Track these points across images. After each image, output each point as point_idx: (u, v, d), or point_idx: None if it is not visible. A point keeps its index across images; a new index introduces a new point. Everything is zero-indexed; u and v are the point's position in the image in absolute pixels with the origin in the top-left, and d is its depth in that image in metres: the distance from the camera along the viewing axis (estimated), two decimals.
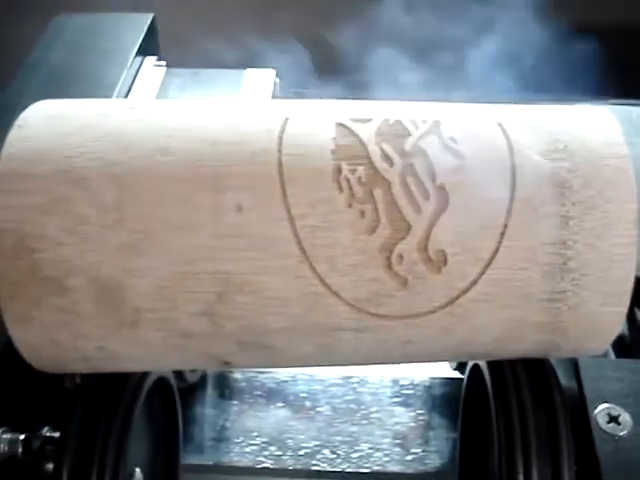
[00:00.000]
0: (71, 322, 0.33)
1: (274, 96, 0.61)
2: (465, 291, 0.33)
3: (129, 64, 0.59)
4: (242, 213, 0.32)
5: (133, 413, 0.38)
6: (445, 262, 0.32)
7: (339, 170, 0.32)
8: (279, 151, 0.32)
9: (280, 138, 0.33)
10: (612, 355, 0.47)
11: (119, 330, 0.33)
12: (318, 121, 0.34)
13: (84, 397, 0.38)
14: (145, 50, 0.63)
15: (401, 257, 0.32)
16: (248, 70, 0.62)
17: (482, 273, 0.33)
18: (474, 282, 0.33)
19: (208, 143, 0.33)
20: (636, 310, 0.47)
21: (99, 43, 0.61)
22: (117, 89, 0.57)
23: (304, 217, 0.32)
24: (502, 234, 0.33)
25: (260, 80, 0.61)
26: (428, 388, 0.55)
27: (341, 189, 0.32)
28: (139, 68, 0.62)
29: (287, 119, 0.34)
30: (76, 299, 0.32)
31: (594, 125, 0.35)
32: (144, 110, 0.35)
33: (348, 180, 0.32)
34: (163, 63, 0.64)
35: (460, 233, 0.32)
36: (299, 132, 0.33)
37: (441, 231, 0.32)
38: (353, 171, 0.32)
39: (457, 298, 0.33)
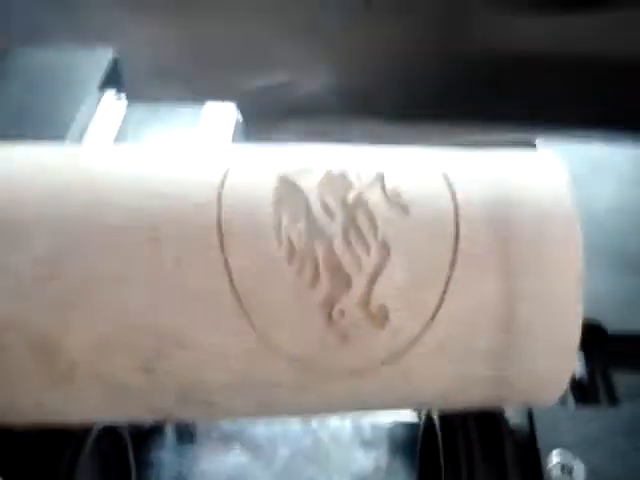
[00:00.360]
0: (7, 379, 0.32)
1: (235, 130, 0.60)
2: (408, 346, 0.32)
3: (89, 99, 0.59)
4: (180, 267, 0.31)
5: (78, 462, 0.37)
6: (387, 318, 0.32)
7: (279, 223, 0.32)
8: (219, 203, 0.32)
9: (220, 190, 0.32)
10: (571, 400, 0.46)
11: (56, 386, 0.32)
12: (260, 172, 0.33)
13: (27, 445, 0.37)
14: (106, 84, 0.62)
15: (342, 313, 0.31)
16: (208, 104, 0.62)
17: (425, 328, 0.32)
18: (417, 337, 0.32)
19: (147, 196, 0.32)
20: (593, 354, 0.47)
21: (57, 78, 0.60)
22: (74, 126, 0.56)
23: (243, 272, 0.31)
24: (445, 289, 0.32)
25: (220, 115, 0.61)
26: (389, 431, 0.54)
27: (281, 243, 0.31)
28: (99, 103, 0.61)
29: (228, 170, 0.33)
30: (11, 356, 0.31)
31: (541, 177, 0.35)
32: (86, 158, 0.34)
33: (288, 234, 0.31)
34: (124, 97, 0.63)
35: (402, 288, 0.32)
36: (240, 184, 0.32)
37: (383, 286, 0.32)
38: (293, 224, 0.32)
39: (400, 354, 0.32)
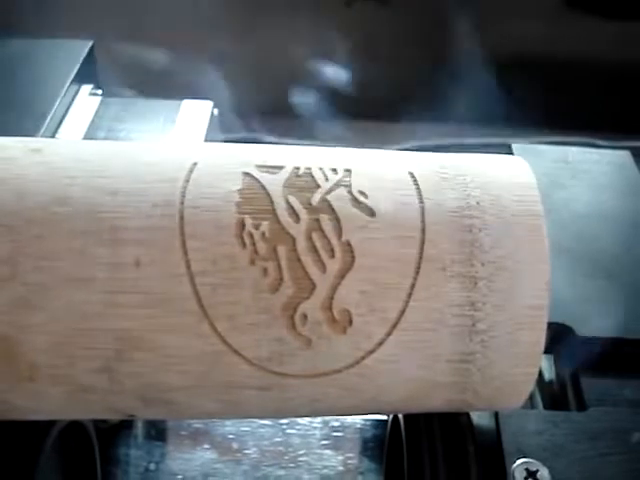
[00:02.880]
0: None
1: (210, 128, 0.60)
2: (371, 351, 0.32)
3: (63, 92, 0.58)
4: (140, 268, 0.31)
5: (39, 458, 0.37)
6: (350, 322, 0.31)
7: (242, 225, 0.31)
8: (182, 203, 0.31)
9: (184, 189, 0.32)
10: (540, 404, 0.46)
11: (17, 384, 0.32)
12: (225, 170, 0.33)
13: None
14: (82, 78, 0.61)
15: (305, 317, 0.31)
16: (185, 101, 0.62)
17: (389, 334, 0.32)
18: (380, 343, 0.32)
19: (109, 193, 0.31)
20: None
21: (33, 70, 0.60)
22: (49, 118, 0.55)
23: (204, 274, 0.31)
24: (409, 295, 0.32)
25: (197, 112, 0.60)
26: (359, 430, 0.54)
27: (244, 245, 0.31)
28: (74, 97, 0.60)
29: (193, 168, 0.33)
30: None
31: (509, 179, 0.35)
32: (49, 153, 0.33)
33: (251, 235, 0.31)
34: (99, 92, 0.62)
35: (366, 293, 0.32)
36: (204, 182, 0.32)
37: (346, 291, 0.31)
38: (257, 226, 0.31)
39: (363, 358, 0.32)
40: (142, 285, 0.31)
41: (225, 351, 0.31)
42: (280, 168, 0.33)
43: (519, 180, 0.35)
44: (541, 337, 0.33)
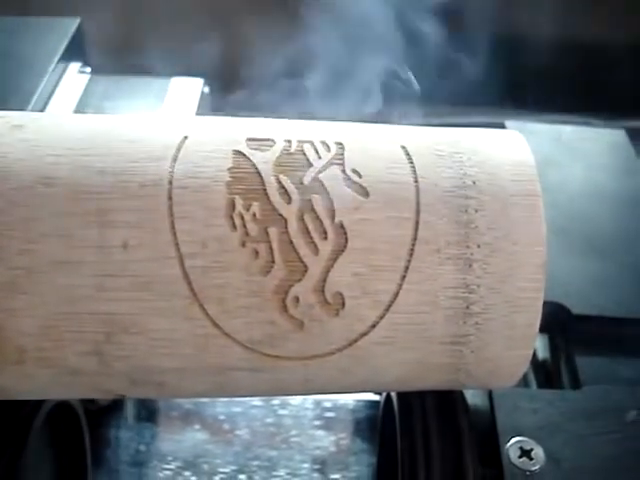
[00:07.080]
0: None
1: (200, 106, 0.59)
2: (364, 334, 0.31)
3: (51, 70, 0.57)
4: (128, 251, 0.30)
5: (27, 440, 0.36)
6: (343, 305, 0.31)
7: (233, 205, 0.31)
8: (170, 183, 0.31)
9: (172, 168, 0.31)
10: (534, 383, 0.46)
11: (5, 367, 0.31)
12: (214, 147, 0.32)
13: None
14: (70, 56, 0.60)
15: (297, 299, 0.31)
16: (174, 79, 0.61)
17: (382, 316, 0.31)
18: (373, 325, 0.31)
19: (95, 172, 0.31)
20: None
21: (20, 48, 0.59)
22: (36, 96, 0.55)
23: (194, 256, 0.30)
24: (403, 277, 0.31)
25: (186, 89, 0.60)
26: (351, 411, 0.53)
27: (234, 226, 0.30)
28: (62, 74, 0.59)
29: (181, 145, 0.32)
30: None
31: (506, 157, 0.34)
32: (32, 130, 0.32)
33: (242, 217, 0.30)
34: (88, 69, 0.62)
35: (359, 275, 0.31)
36: (193, 161, 0.31)
37: (339, 273, 0.31)
38: (248, 207, 0.31)
39: (356, 341, 0.31)
40: (131, 268, 0.30)
41: (216, 334, 0.31)
42: (271, 145, 0.32)
43: (516, 158, 0.34)
44: (536, 319, 0.33)
